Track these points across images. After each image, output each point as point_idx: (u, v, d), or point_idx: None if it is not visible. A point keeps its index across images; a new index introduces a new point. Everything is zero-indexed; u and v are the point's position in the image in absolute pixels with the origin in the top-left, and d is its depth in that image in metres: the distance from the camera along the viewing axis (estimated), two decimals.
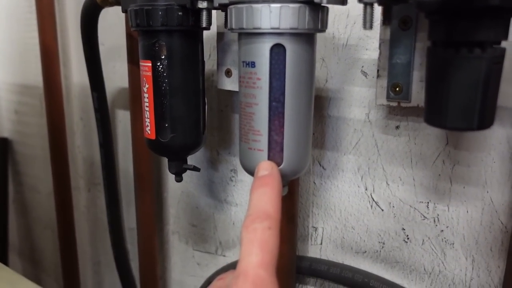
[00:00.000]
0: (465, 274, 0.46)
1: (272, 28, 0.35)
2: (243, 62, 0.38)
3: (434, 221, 0.47)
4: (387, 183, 0.49)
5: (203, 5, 0.41)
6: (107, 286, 0.94)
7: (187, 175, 0.68)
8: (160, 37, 0.44)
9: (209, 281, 0.64)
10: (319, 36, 0.49)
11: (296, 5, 0.34)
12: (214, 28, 0.50)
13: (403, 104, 0.41)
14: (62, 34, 0.86)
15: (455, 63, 0.29)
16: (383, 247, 0.51)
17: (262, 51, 0.36)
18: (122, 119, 0.78)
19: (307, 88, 0.38)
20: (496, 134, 0.42)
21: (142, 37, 0.46)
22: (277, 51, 0.36)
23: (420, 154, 0.46)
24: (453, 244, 0.46)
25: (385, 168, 0.49)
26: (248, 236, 0.30)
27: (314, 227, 0.55)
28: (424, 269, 0.48)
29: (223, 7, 0.41)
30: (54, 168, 0.88)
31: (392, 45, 0.40)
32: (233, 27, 0.37)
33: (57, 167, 0.88)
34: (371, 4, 0.32)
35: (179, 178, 0.52)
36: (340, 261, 0.54)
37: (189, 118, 0.48)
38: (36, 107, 0.98)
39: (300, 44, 0.36)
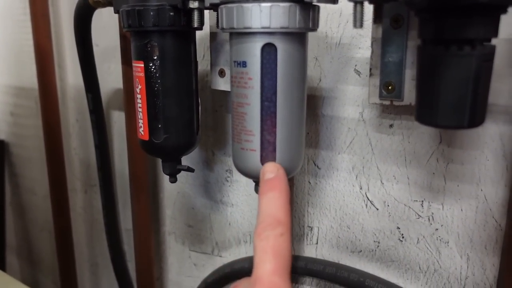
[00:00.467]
0: (460, 273, 0.46)
1: (262, 28, 0.35)
2: (235, 61, 0.38)
3: (429, 219, 0.47)
4: (381, 182, 0.49)
5: (194, 5, 0.41)
6: (104, 287, 0.94)
7: (182, 176, 0.68)
8: (152, 38, 0.44)
9: (205, 281, 0.64)
10: (312, 35, 0.49)
11: (287, 4, 0.34)
12: (207, 28, 0.50)
13: (395, 103, 0.41)
14: (56, 35, 0.85)
15: (445, 61, 0.29)
16: (378, 246, 0.50)
17: (253, 50, 0.36)
18: (118, 120, 0.78)
19: (299, 87, 0.38)
20: (489, 131, 0.42)
21: (134, 38, 0.46)
22: (268, 51, 0.36)
23: (414, 153, 0.46)
24: (447, 242, 0.46)
25: (379, 167, 0.48)
26: (261, 244, 0.31)
27: (310, 226, 0.55)
28: (419, 267, 0.48)
29: (214, 7, 0.41)
30: (50, 170, 0.88)
31: (384, 43, 0.40)
32: (224, 26, 0.37)
33: (54, 169, 0.88)
34: (361, 3, 0.32)
35: (173, 179, 0.52)
36: (336, 261, 0.54)
37: (182, 119, 0.48)
38: (32, 109, 0.98)
39: (291, 43, 0.36)
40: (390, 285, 0.49)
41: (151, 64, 0.45)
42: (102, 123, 0.70)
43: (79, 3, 0.57)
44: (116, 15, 0.49)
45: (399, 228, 0.49)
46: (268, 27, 0.35)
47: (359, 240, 0.52)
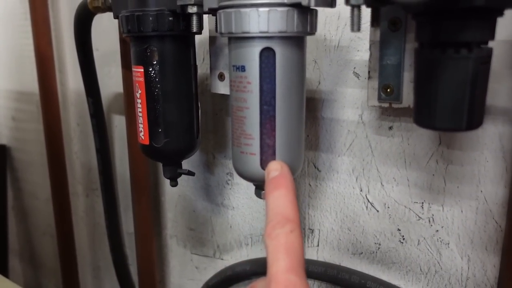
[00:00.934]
0: (461, 274, 0.46)
1: (261, 32, 0.35)
2: (234, 66, 0.38)
3: (429, 221, 0.47)
4: (381, 184, 0.49)
5: (193, 10, 0.41)
6: None
7: (183, 179, 0.68)
8: (151, 43, 0.45)
9: (207, 284, 0.64)
10: (311, 38, 0.49)
11: (285, 9, 0.34)
12: (207, 31, 0.51)
13: (394, 105, 0.41)
14: (57, 40, 0.86)
15: (442, 64, 0.29)
16: (379, 248, 0.51)
17: (252, 55, 0.36)
18: (118, 124, 0.78)
19: (298, 90, 0.38)
20: (488, 132, 0.42)
21: (133, 43, 0.46)
22: (267, 55, 0.36)
23: (414, 155, 0.46)
24: (448, 244, 0.46)
25: (379, 169, 0.49)
26: (272, 243, 0.30)
27: (311, 229, 0.55)
28: (420, 269, 0.48)
29: (213, 12, 0.41)
30: (52, 174, 0.88)
31: (382, 46, 0.40)
32: (223, 31, 0.37)
33: (55, 173, 0.88)
34: (358, 6, 0.32)
35: (174, 183, 0.52)
36: (337, 263, 0.54)
37: (183, 123, 0.48)
38: (33, 113, 0.98)
39: (290, 47, 0.36)
40: (392, 287, 0.49)
41: (150, 69, 0.45)
42: (103, 127, 0.70)
43: (79, 8, 0.57)
44: (116, 19, 0.50)
45: (400, 230, 0.49)
46: (266, 32, 0.35)
47: (360, 242, 0.52)
